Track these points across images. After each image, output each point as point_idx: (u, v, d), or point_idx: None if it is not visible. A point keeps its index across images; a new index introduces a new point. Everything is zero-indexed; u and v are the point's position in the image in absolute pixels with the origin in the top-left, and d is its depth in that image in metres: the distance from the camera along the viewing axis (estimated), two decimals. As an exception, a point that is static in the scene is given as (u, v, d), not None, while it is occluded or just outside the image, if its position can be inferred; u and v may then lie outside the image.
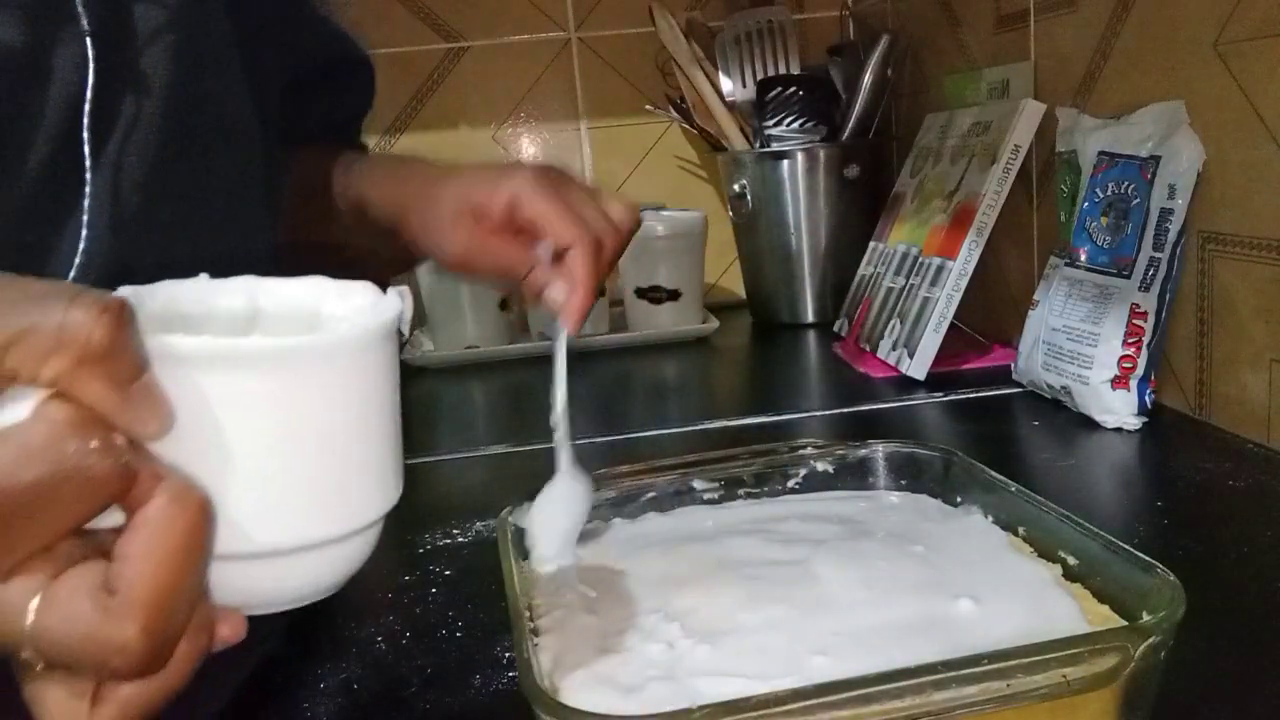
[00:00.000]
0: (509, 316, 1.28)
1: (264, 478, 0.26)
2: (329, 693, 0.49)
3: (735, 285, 1.41)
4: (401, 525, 0.71)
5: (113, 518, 0.25)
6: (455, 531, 0.68)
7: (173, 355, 0.25)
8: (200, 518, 0.25)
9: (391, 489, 0.30)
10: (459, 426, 1.03)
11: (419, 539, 0.67)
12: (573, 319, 0.55)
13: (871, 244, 1.17)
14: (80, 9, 0.38)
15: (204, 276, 0.29)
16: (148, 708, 0.26)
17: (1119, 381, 0.76)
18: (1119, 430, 0.76)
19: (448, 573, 0.62)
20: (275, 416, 0.26)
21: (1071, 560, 0.43)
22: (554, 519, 0.49)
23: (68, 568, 0.24)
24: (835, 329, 1.19)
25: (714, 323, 1.26)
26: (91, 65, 0.39)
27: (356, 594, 0.60)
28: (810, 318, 1.28)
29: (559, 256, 0.54)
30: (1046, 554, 0.45)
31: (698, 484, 0.54)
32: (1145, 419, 0.77)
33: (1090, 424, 0.78)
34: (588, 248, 0.54)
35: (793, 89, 1.24)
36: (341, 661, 0.52)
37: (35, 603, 0.24)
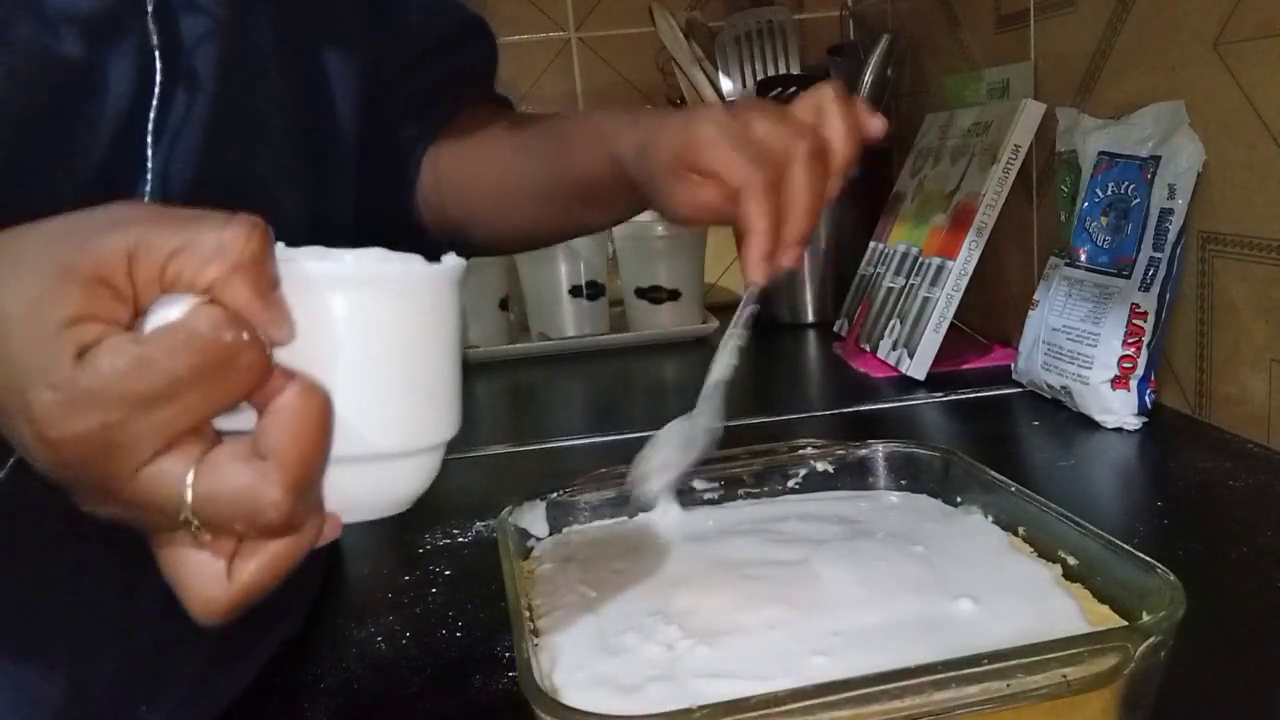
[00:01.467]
0: (509, 316, 1.28)
1: (366, 386, 0.31)
2: (329, 693, 0.49)
3: (735, 285, 1.41)
4: (401, 525, 0.71)
5: (237, 420, 0.29)
6: (455, 531, 0.68)
7: (299, 276, 0.30)
8: (326, 408, 0.29)
9: (459, 414, 0.34)
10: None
11: (419, 539, 0.67)
12: (748, 269, 0.51)
13: (871, 244, 1.17)
14: (151, 26, 0.41)
15: (280, 244, 0.32)
16: (280, 567, 0.29)
17: (1119, 381, 0.76)
18: (1119, 430, 0.76)
19: (448, 573, 0.62)
20: (381, 332, 0.31)
21: (1071, 560, 0.43)
22: (666, 449, 0.48)
23: (214, 446, 0.28)
24: (835, 329, 1.19)
25: (714, 323, 1.26)
26: (159, 78, 0.41)
27: (356, 594, 0.60)
28: (810, 318, 1.28)
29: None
30: (1046, 554, 0.45)
31: (698, 484, 0.54)
32: (1145, 419, 0.77)
33: (1090, 424, 0.78)
34: (755, 188, 0.49)
35: (793, 89, 1.24)
36: (341, 661, 0.52)
37: (190, 475, 0.27)
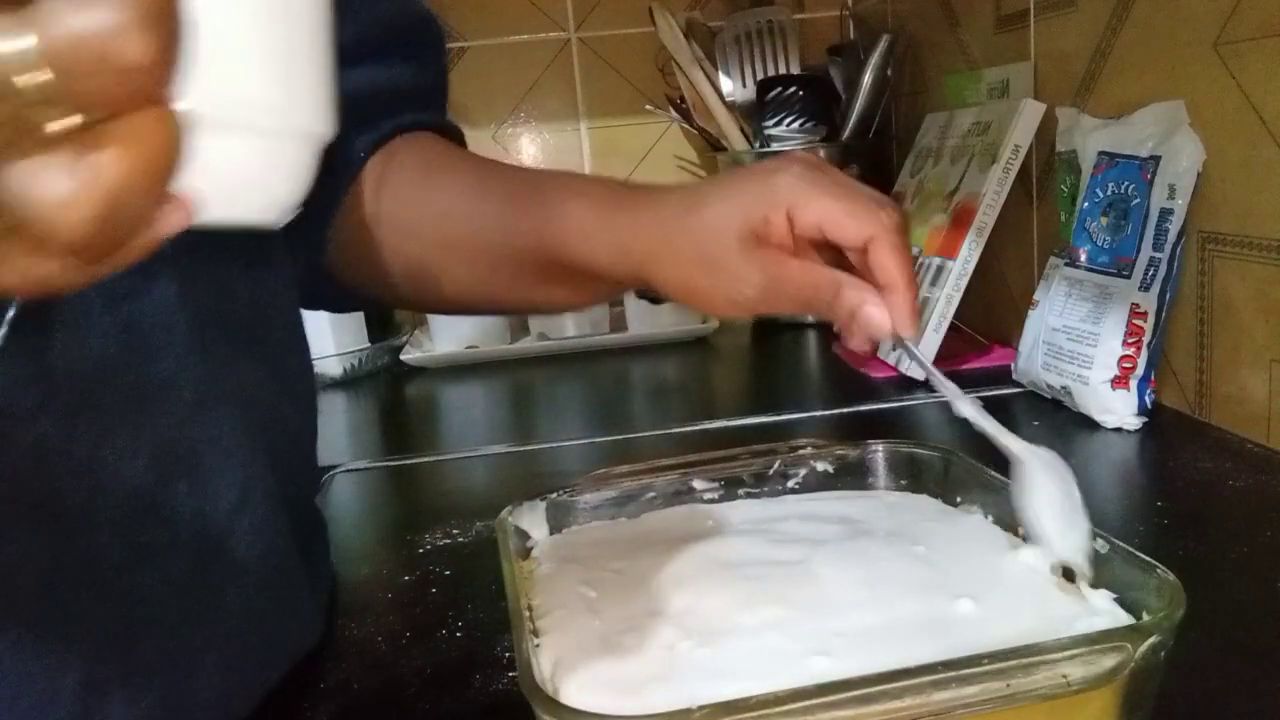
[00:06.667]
0: (508, 316, 1.28)
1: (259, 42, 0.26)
2: (329, 693, 0.49)
3: (735, 285, 1.41)
4: (401, 525, 0.71)
5: None
6: (455, 531, 0.68)
7: None
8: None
9: (333, 112, 0.30)
10: (459, 426, 1.03)
11: (419, 539, 0.67)
12: (908, 324, 0.47)
13: (871, 244, 1.17)
14: None
15: None
16: (146, 153, 0.23)
17: (1119, 381, 0.76)
18: (1119, 430, 0.76)
19: (448, 573, 0.62)
20: None
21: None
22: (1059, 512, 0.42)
23: None
24: (835, 329, 1.19)
25: (714, 323, 1.26)
26: None
27: (356, 594, 0.60)
28: (810, 318, 1.28)
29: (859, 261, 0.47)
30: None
31: (698, 484, 0.54)
32: (1145, 419, 0.77)
33: (1090, 424, 0.78)
34: (892, 236, 0.45)
35: (793, 89, 1.24)
36: (341, 661, 0.52)
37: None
